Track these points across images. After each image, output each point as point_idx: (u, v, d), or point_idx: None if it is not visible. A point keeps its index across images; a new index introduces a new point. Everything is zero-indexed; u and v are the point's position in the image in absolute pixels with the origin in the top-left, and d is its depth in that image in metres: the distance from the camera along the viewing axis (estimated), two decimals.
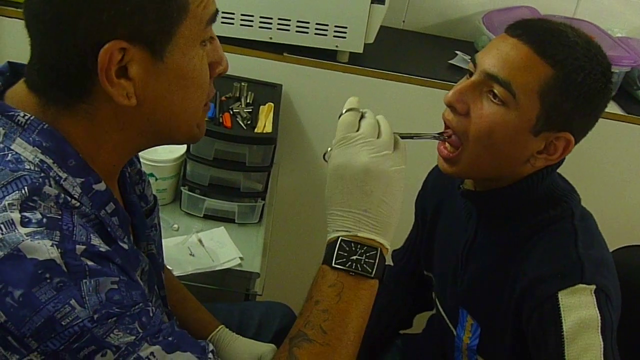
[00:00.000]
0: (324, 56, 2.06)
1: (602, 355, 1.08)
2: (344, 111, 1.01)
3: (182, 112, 0.94)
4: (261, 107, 1.93)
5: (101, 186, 0.90)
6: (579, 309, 1.10)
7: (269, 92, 2.04)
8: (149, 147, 0.99)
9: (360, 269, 0.95)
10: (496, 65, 1.11)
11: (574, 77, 1.10)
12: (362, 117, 1.01)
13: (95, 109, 0.88)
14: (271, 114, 1.91)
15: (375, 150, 0.96)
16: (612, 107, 2.23)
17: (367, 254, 0.96)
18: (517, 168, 1.18)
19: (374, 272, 0.95)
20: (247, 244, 1.83)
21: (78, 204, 0.85)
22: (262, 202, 1.91)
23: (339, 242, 0.96)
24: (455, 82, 2.20)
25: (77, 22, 0.82)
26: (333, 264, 0.95)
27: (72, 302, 0.77)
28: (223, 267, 1.73)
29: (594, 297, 1.10)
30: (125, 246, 0.91)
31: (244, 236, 1.86)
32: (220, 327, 1.33)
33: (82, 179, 0.88)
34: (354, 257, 0.95)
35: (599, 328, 1.09)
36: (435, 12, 2.46)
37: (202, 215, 1.89)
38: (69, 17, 0.82)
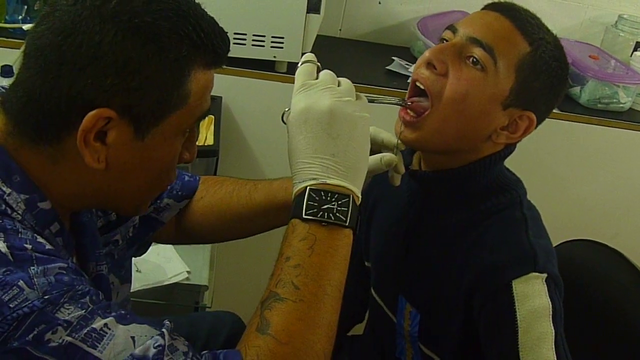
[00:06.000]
0: (263, 67, 2.06)
1: (553, 343, 1.09)
2: (300, 64, 0.98)
3: (137, 190, 0.93)
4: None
5: (46, 205, 0.88)
6: (532, 297, 1.11)
7: None
8: (93, 207, 1.00)
9: (333, 218, 0.89)
10: (480, 32, 1.13)
11: (546, 59, 1.14)
12: (319, 69, 0.99)
13: (60, 156, 0.87)
14: (212, 127, 1.90)
15: (338, 95, 0.93)
16: None
17: (340, 202, 0.89)
18: (478, 143, 1.18)
19: (348, 220, 0.90)
20: (194, 257, 1.82)
21: (20, 217, 0.84)
22: None
23: (307, 192, 0.90)
24: (393, 88, 2.21)
25: (79, 75, 0.81)
26: (304, 216, 0.89)
27: (21, 283, 0.75)
28: (171, 282, 1.72)
29: (545, 285, 1.12)
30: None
31: (190, 250, 1.84)
32: None
33: (27, 196, 0.86)
34: (326, 206, 0.89)
35: (550, 316, 1.10)
36: (370, 20, 2.50)
37: None
38: (73, 67, 0.80)
